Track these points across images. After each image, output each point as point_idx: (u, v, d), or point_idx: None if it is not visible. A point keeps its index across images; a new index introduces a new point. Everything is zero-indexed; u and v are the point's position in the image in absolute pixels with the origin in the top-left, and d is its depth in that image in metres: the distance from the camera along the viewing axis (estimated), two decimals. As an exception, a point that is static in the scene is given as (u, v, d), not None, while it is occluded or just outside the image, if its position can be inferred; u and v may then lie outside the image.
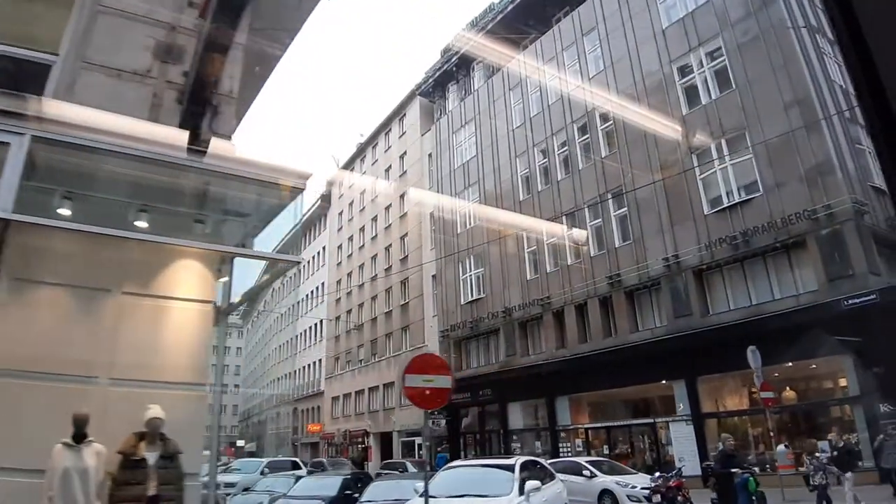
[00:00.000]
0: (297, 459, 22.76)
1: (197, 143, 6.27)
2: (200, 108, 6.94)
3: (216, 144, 6.49)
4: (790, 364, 16.52)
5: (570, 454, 20.64)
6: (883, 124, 0.99)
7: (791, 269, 16.77)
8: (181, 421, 5.20)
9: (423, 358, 7.91)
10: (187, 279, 6.19)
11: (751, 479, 9.01)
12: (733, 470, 9.04)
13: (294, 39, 9.01)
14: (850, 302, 14.45)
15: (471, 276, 26.76)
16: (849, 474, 11.29)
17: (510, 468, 8.60)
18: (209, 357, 6.42)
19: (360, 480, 12.69)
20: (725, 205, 17.96)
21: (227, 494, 16.28)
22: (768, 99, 17.42)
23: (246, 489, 16.05)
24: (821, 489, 11.11)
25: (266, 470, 18.83)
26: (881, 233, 16.32)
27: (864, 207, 15.78)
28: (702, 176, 18.86)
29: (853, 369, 14.73)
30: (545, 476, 9.59)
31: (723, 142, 18.40)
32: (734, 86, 18.42)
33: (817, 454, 11.72)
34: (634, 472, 15.64)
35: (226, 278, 7.41)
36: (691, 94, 19.80)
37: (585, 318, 21.48)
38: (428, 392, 6.94)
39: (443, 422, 25.36)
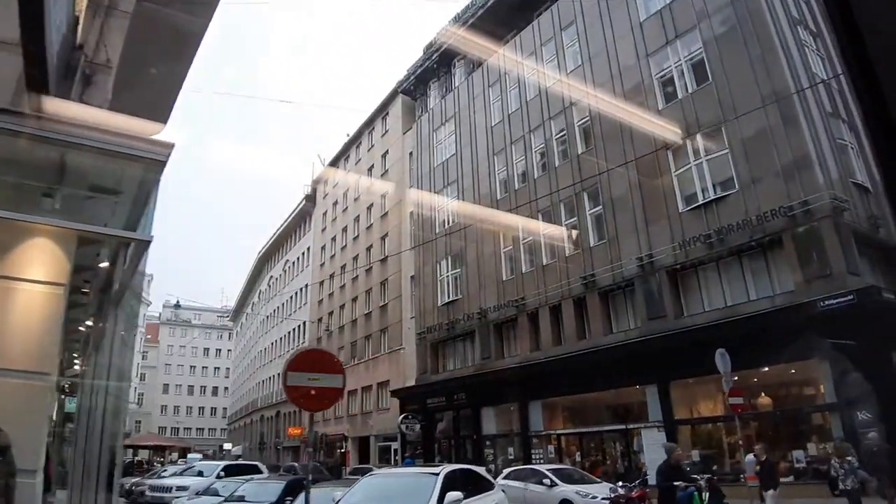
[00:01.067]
0: (259, 463, 21.89)
1: (60, 114, 5.57)
2: (70, 76, 6.25)
3: (70, 111, 5.76)
4: (767, 369, 15.71)
5: (542, 461, 19.79)
6: (882, 129, 1.00)
7: (767, 269, 15.93)
8: (20, 411, 4.76)
9: (309, 354, 7.14)
10: (35, 259, 5.49)
11: (696, 494, 8.18)
12: (676, 483, 8.19)
13: (211, 16, 8.22)
14: (827, 303, 13.59)
15: (448, 276, 25.95)
16: (771, 491, 10.60)
17: (432, 478, 7.83)
18: (57, 344, 5.75)
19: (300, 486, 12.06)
20: (700, 202, 17.14)
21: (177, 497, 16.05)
22: (745, 92, 16.61)
23: (198, 493, 15.73)
24: (853, 494, 10.39)
25: (222, 473, 18.05)
26: (862, 231, 15.45)
27: (844, 204, 14.92)
28: (677, 172, 18.05)
29: (830, 374, 13.86)
30: (479, 487, 8.78)
31: (699, 137, 17.59)
32: (711, 79, 17.63)
33: (849, 458, 11.03)
34: (598, 481, 14.78)
35: (105, 263, 6.70)
36: (668, 88, 19.01)
37: (560, 320, 20.63)
38: (313, 392, 6.12)
39: (417, 426, 24.46)
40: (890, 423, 12.69)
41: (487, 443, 22.61)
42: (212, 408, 71.04)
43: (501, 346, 22.99)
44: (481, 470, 10.30)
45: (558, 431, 20.23)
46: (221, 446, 51.87)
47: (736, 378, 13.57)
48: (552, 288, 20.97)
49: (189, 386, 71.70)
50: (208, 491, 15.24)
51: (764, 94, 16.21)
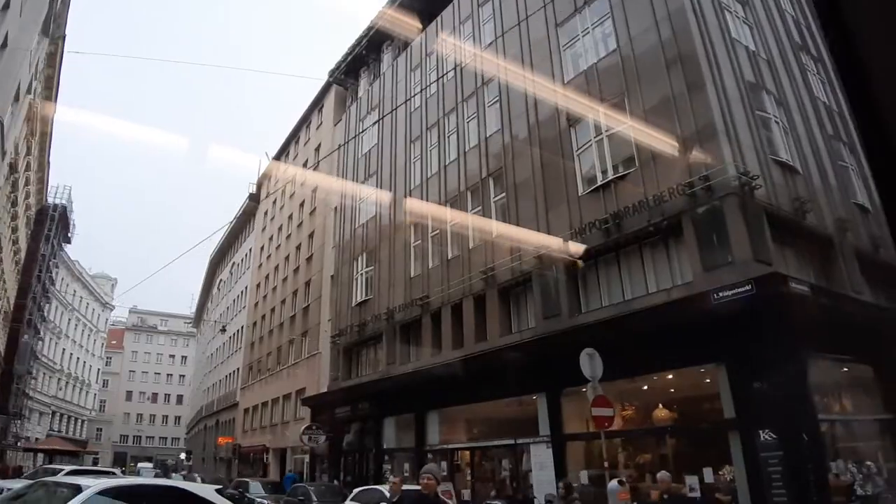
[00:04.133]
0: (115, 470, 19.31)
1: None
2: None
3: None
4: (671, 376, 13.10)
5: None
6: (878, 143, 0.96)
7: (668, 258, 13.33)
8: None
9: None
10: None
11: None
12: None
13: None
14: (721, 295, 10.96)
15: (361, 274, 23.41)
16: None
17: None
18: None
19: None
20: (599, 183, 14.62)
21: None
22: (650, 58, 14.20)
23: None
24: (871, 502, 9.62)
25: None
26: (782, 215, 12.87)
27: (755, 181, 12.33)
28: (579, 151, 15.56)
29: (728, 384, 11.19)
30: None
31: (601, 110, 15.11)
32: (616, 46, 15.22)
33: (868, 462, 10.49)
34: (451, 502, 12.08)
35: None
36: (575, 59, 16.60)
37: (461, 320, 18.02)
38: None
39: (321, 438, 21.77)
40: (794, 446, 10.03)
41: (386, 458, 19.87)
42: (176, 416, 68.08)
43: (408, 349, 20.35)
44: (208, 492, 7.61)
45: (451, 446, 17.48)
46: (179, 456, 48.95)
47: (609, 385, 10.95)
48: (455, 284, 18.40)
49: (153, 394, 68.84)
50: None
51: (668, 59, 13.79)
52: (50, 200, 42.73)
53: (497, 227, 17.44)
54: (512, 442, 15.32)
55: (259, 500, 17.93)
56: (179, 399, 68.40)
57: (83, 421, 56.13)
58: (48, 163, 40.32)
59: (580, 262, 14.75)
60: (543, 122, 16.74)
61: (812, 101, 16.95)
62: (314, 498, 15.13)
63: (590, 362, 10.74)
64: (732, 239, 11.66)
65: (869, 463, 10.43)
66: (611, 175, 14.35)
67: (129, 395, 67.13)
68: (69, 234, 46.93)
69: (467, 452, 17.00)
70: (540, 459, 14.23)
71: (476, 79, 19.98)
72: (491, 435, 16.59)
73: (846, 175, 16.82)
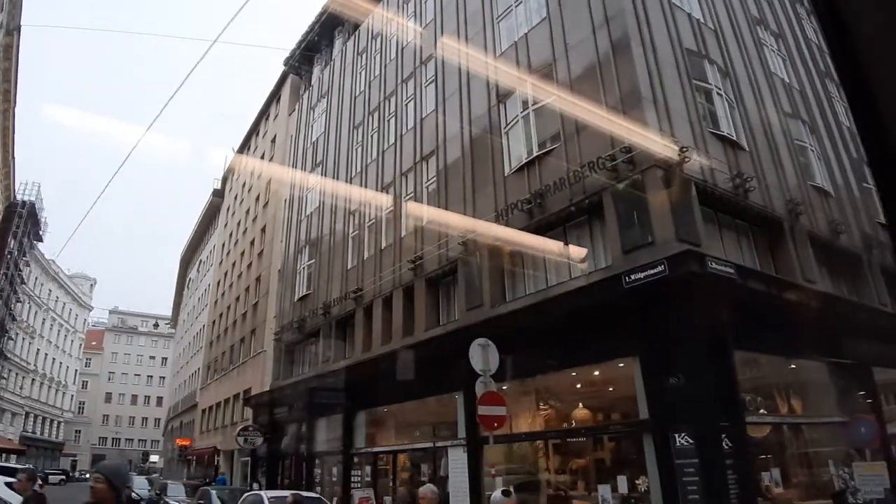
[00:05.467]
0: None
1: None
2: None
3: None
4: (598, 372, 11.60)
5: (360, 485, 15.65)
6: (878, 143, 0.93)
7: (591, 240, 11.84)
8: None
9: None
10: None
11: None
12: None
13: None
14: (633, 278, 9.48)
15: (304, 268, 21.99)
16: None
17: None
18: None
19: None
20: (524, 161, 13.17)
21: None
22: (578, 22, 12.78)
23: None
24: None
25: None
26: (718, 194, 11.39)
27: (684, 151, 10.85)
28: (506, 128, 14.12)
29: (641, 380, 9.68)
30: None
31: (528, 83, 13.69)
32: (546, 12, 13.81)
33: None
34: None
35: None
36: (509, 30, 15.17)
37: (391, 314, 16.55)
38: None
39: (258, 440, 20.33)
40: (713, 452, 8.52)
41: (317, 461, 18.39)
42: (155, 419, 66.61)
43: (343, 346, 18.89)
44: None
45: (374, 449, 15.98)
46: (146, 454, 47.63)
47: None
48: (386, 275, 16.95)
49: (133, 395, 67.40)
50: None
51: (597, 23, 12.35)
52: (18, 197, 41.55)
53: (427, 213, 16.00)
54: (430, 445, 13.82)
55: (173, 502, 16.70)
56: (159, 401, 66.91)
57: (59, 422, 54.78)
58: (13, 158, 39.11)
59: (504, 248, 13.31)
60: (475, 99, 15.33)
61: (767, 76, 15.48)
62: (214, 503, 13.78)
63: (482, 354, 9.27)
64: (653, 216, 10.17)
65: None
66: (535, 152, 12.90)
67: (108, 396, 65.73)
68: (40, 232, 45.71)
69: (385, 455, 15.49)
70: (458, 464, 12.75)
71: (415, 58, 18.60)
72: (413, 437, 15.08)
73: (805, 156, 15.34)
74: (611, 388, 10.95)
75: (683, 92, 12.01)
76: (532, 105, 13.36)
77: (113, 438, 63.59)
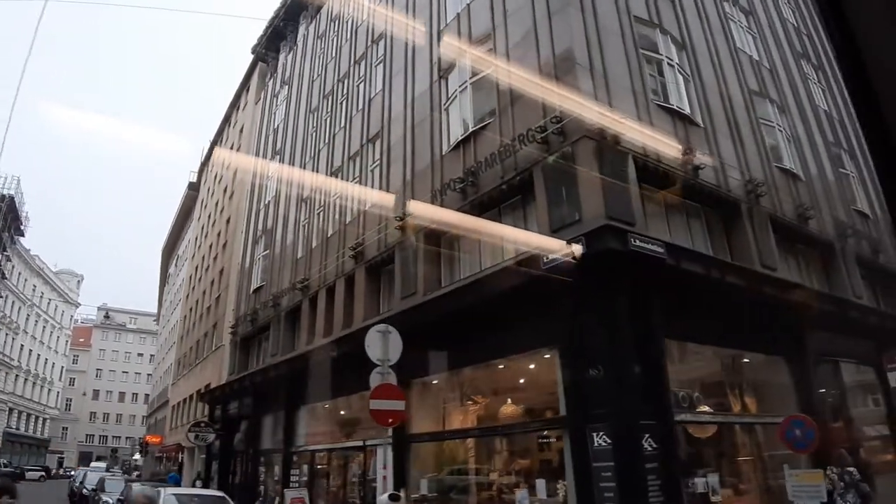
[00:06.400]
0: None
1: None
2: None
3: None
4: (532, 365, 10.53)
5: (298, 485, 14.65)
6: (881, 142, 0.96)
7: (525, 220, 10.78)
8: None
9: None
10: None
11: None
12: None
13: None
14: (551, 258, 8.42)
15: (259, 259, 21.03)
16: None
17: None
18: None
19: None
20: (460, 137, 12.13)
21: None
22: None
23: None
24: None
25: None
26: (662, 170, 10.31)
27: (619, 124, 9.78)
28: (446, 104, 13.09)
29: (560, 372, 8.62)
30: None
31: (467, 54, 12.65)
32: (488, -21, 12.76)
33: (849, 468, 9.15)
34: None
35: None
36: (452, 2, 14.15)
37: (334, 304, 15.54)
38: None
39: (210, 437, 19.37)
40: (631, 453, 7.46)
41: (262, 459, 17.41)
42: (143, 416, 65.90)
43: (292, 338, 17.87)
44: None
45: (311, 447, 14.97)
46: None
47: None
48: (331, 264, 15.95)
49: (120, 392, 66.57)
50: None
51: (535, -14, 11.31)
52: (-3, 192, 40.80)
53: (370, 197, 15.00)
54: (361, 444, 12.79)
55: (106, 498, 16.02)
56: (147, 398, 66.12)
57: (45, 419, 54.07)
58: (-11, 152, 38.33)
59: (440, 231, 12.28)
60: (419, 76, 14.31)
61: (733, 52, 14.38)
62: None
63: (381, 342, 8.24)
64: (583, 192, 9.11)
65: (851, 469, 9.07)
66: (472, 127, 11.86)
67: (95, 394, 64.96)
68: (21, 227, 44.99)
69: (320, 453, 14.49)
70: (385, 463, 11.70)
71: (368, 38, 17.60)
72: (346, 435, 14.04)
73: (773, 136, 14.24)
74: (536, 382, 9.88)
75: (628, 61, 10.94)
76: (470, 78, 12.32)
77: (100, 436, 62.84)
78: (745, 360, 10.93)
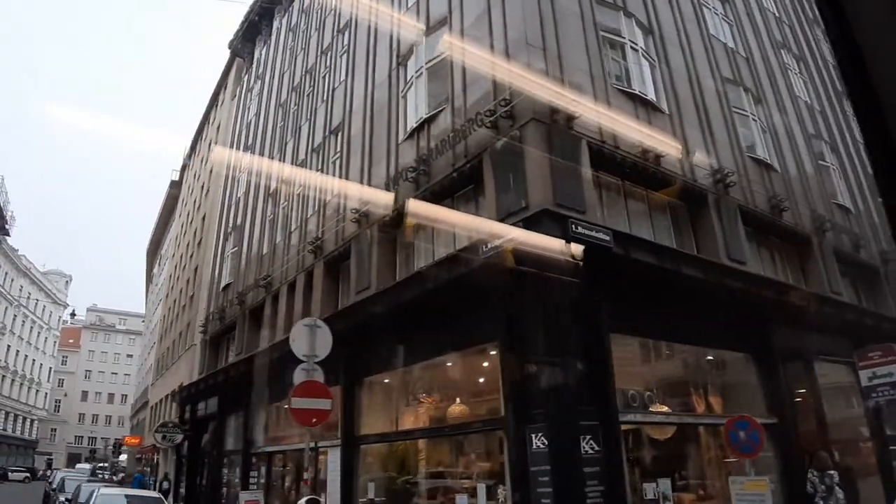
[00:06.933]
0: None
1: None
2: None
3: None
4: (484, 363, 9.95)
5: (255, 486, 14.10)
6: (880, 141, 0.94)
7: (476, 209, 10.21)
8: None
9: None
10: None
11: None
12: None
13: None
14: (490, 247, 7.86)
15: (228, 256, 20.49)
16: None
17: None
18: None
19: None
20: (415, 125, 11.58)
21: None
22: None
23: None
24: None
25: None
26: (618, 157, 9.73)
27: (571, 108, 9.20)
28: (403, 91, 12.53)
29: (500, 370, 8.05)
30: None
31: (424, 39, 12.12)
32: (446, -40, 12.22)
33: (830, 472, 8.69)
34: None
35: None
36: (413, -14, 13.62)
37: (294, 301, 14.98)
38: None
39: (178, 437, 18.83)
40: (565, 457, 6.89)
41: (225, 461, 16.84)
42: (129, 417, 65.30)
43: (256, 337, 17.30)
44: None
45: (268, 448, 14.40)
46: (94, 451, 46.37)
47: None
48: (292, 258, 15.41)
49: (109, 394, 65.88)
50: None
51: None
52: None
53: (330, 189, 14.44)
54: (313, 444, 12.20)
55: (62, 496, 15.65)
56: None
57: (33, 420, 53.48)
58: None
59: (394, 223, 11.72)
60: (380, 64, 13.77)
61: (706, 39, 13.84)
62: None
63: (308, 336, 7.66)
64: (530, 178, 8.53)
65: (831, 472, 8.69)
66: (426, 114, 11.30)
67: (84, 395, 64.27)
68: (6, 226, 44.48)
69: (278, 455, 13.92)
70: (335, 466, 11.16)
71: (334, 27, 17.07)
72: (301, 436, 13.46)
73: (747, 126, 13.69)
74: (481, 380, 9.30)
75: (586, 43, 10.38)
76: (426, 64, 11.77)
77: (89, 437, 62.19)
78: (709, 357, 10.34)
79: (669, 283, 8.80)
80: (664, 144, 10.55)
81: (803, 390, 11.41)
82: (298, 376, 7.48)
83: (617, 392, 7.83)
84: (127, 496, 10.83)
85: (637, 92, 10.78)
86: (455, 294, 8.52)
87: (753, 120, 13.84)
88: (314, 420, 7.37)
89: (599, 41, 10.69)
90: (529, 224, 7.40)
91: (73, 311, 46.16)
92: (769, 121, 14.37)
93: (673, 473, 8.42)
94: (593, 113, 9.61)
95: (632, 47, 11.35)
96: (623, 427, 7.74)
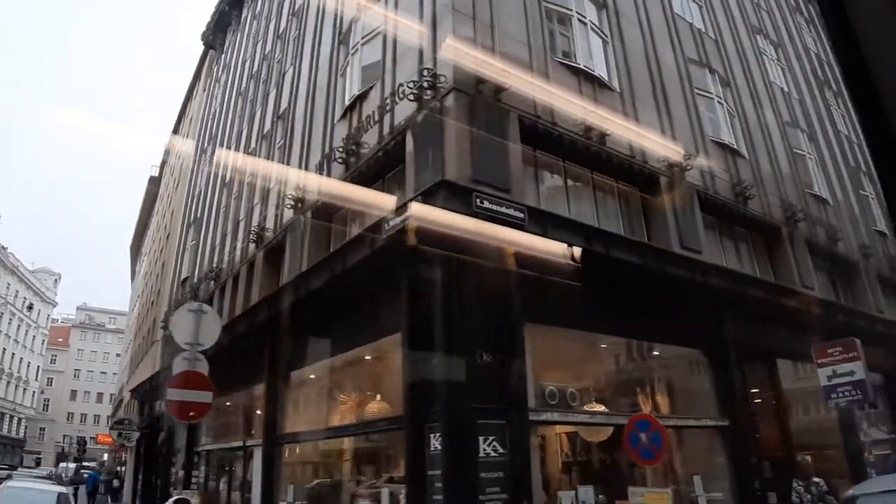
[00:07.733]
0: None
1: None
2: None
3: None
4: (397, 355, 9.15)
5: (196, 487, 13.30)
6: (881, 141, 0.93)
7: (404, 191, 9.40)
8: None
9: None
10: None
11: None
12: None
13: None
14: (392, 225, 7.06)
15: (188, 248, 19.78)
16: None
17: None
18: None
19: None
20: (347, 103, 10.81)
21: None
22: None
23: None
24: None
25: None
26: (556, 134, 8.92)
27: (503, 76, 8.39)
28: (341, 70, 11.77)
29: (402, 363, 7.24)
30: None
31: (362, 15, 11.35)
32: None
33: (815, 479, 8.32)
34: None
35: None
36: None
37: (237, 293, 14.22)
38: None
39: (134, 434, 18.11)
40: (459, 460, 6.07)
41: (173, 460, 16.08)
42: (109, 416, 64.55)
43: (207, 333, 16.52)
44: None
45: (206, 447, 13.67)
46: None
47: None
48: (238, 249, 14.66)
49: (98, 393, 65.19)
50: None
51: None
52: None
53: (272, 176, 13.70)
54: (241, 444, 11.43)
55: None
56: (125, 399, 64.77)
57: (21, 419, 52.90)
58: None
59: (326, 207, 10.94)
60: (324, 45, 13.02)
61: (668, 18, 13.04)
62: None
63: (193, 322, 6.86)
64: (448, 152, 7.71)
65: (817, 479, 8.32)
66: (358, 91, 10.52)
67: (73, 394, 63.67)
68: (-8, 224, 43.94)
69: (214, 454, 13.14)
70: (259, 466, 10.36)
71: (288, 12, 16.36)
72: (232, 435, 12.68)
73: (712, 109, 12.85)
74: (391, 375, 8.49)
75: (526, 12, 9.59)
76: (362, 40, 10.99)
77: (77, 436, 61.55)
78: (656, 353, 9.49)
79: (603, 269, 7.99)
80: (611, 123, 9.74)
81: (763, 391, 10.53)
82: (179, 365, 6.69)
83: (535, 388, 7.03)
84: (29, 490, 10.21)
85: (582, 66, 9.97)
86: (362, 280, 7.73)
87: (719, 103, 13.00)
88: (191, 414, 6.59)
89: (542, 11, 9.90)
90: (428, 198, 6.59)
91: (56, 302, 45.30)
92: (738, 105, 13.53)
93: (616, 479, 7.59)
94: (528, 86, 8.81)
95: (579, 20, 10.55)
96: (555, 428, 6.93)
